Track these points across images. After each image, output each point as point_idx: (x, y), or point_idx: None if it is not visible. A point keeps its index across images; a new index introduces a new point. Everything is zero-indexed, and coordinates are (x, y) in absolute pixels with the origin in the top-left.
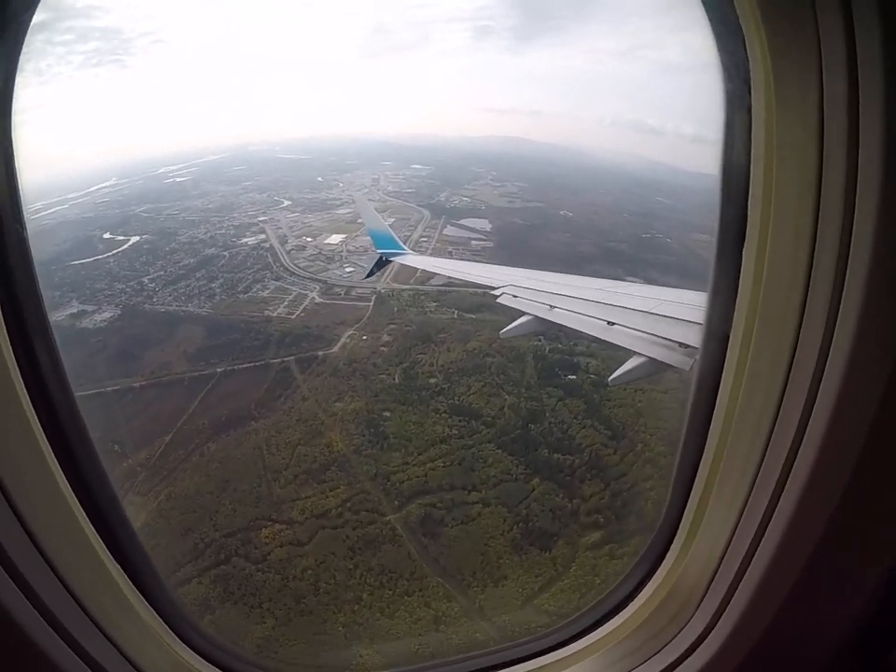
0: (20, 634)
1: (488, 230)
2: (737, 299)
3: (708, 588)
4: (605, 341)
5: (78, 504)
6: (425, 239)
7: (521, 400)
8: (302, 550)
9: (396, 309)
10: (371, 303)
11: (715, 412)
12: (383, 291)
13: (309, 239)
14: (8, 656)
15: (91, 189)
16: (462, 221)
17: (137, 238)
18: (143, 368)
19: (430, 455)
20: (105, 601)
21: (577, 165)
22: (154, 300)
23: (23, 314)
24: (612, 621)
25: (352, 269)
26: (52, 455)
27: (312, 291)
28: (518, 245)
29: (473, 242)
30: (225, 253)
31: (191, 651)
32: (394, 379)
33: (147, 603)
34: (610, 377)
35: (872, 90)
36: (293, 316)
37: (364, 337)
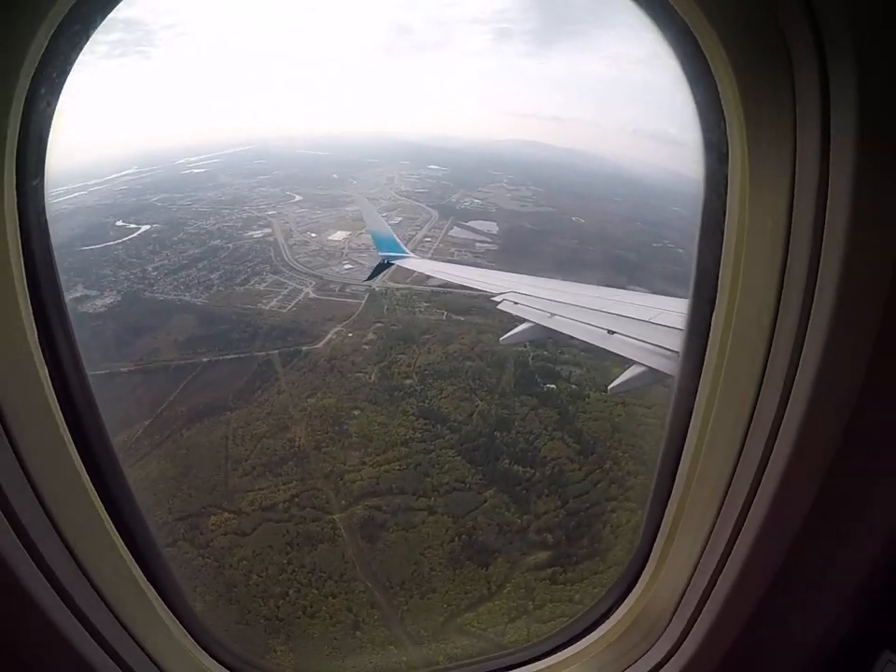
0: (53, 633)
1: (495, 232)
2: (712, 321)
3: (672, 616)
4: (604, 349)
5: (105, 510)
6: (429, 239)
7: (492, 407)
8: (243, 540)
9: (386, 307)
10: (364, 301)
11: (687, 440)
12: (377, 289)
13: (313, 234)
14: (45, 654)
15: (112, 177)
16: (470, 223)
17: (148, 227)
18: (133, 353)
19: (388, 457)
20: (131, 606)
21: (595, 172)
22: (154, 288)
23: (43, 298)
24: (586, 639)
25: (350, 266)
26: (81, 463)
27: (307, 286)
28: (522, 250)
29: (477, 244)
30: (229, 245)
31: (212, 659)
32: (370, 378)
33: (168, 610)
34: (610, 385)
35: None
36: (285, 311)
37: (350, 334)
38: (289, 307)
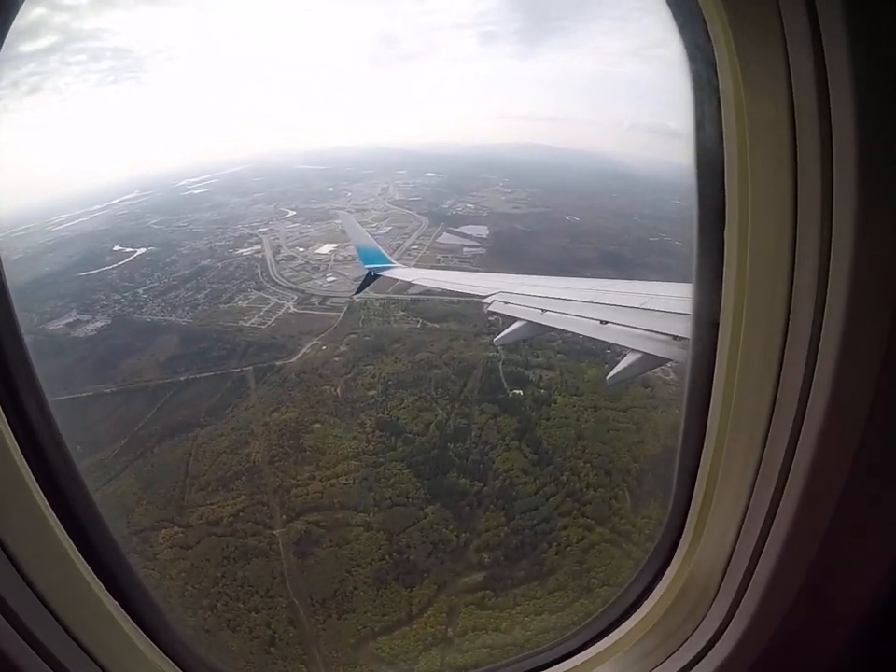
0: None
1: (484, 236)
2: (723, 286)
3: (721, 583)
4: (599, 340)
5: (56, 519)
6: (415, 247)
7: (451, 417)
8: (185, 553)
9: (362, 319)
10: (343, 313)
11: (711, 404)
12: (357, 300)
13: (301, 249)
14: None
15: (114, 202)
16: (460, 228)
17: (143, 250)
18: (117, 375)
19: (337, 471)
20: (81, 611)
21: (593, 170)
22: (143, 310)
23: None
24: (625, 623)
25: (334, 278)
26: (26, 463)
27: (289, 301)
28: (511, 252)
29: (465, 249)
30: (219, 264)
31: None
32: (335, 390)
33: (134, 623)
34: (608, 376)
35: (838, 60)
36: (264, 326)
37: (324, 347)
38: (269, 323)
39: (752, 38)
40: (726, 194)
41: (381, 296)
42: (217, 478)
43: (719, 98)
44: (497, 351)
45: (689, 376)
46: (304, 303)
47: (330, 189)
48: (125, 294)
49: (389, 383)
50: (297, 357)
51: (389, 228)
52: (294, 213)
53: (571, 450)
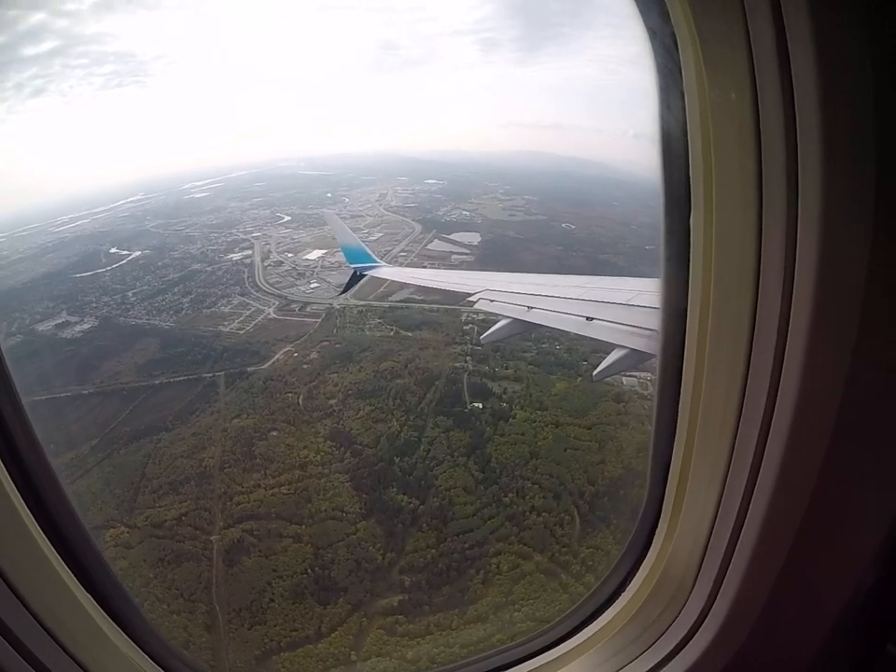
0: None
1: (475, 243)
2: (689, 275)
3: (698, 574)
4: (585, 336)
5: (33, 518)
6: (404, 254)
7: (403, 429)
8: (126, 552)
9: (337, 326)
10: (320, 320)
11: (681, 396)
12: (337, 307)
13: (290, 255)
14: None
15: (118, 204)
16: (452, 235)
17: (138, 253)
18: (97, 376)
19: (281, 480)
20: (62, 613)
21: (596, 178)
22: (129, 313)
23: None
24: (602, 616)
25: (317, 284)
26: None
27: (269, 307)
28: (500, 259)
29: (454, 256)
30: (209, 268)
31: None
32: (298, 398)
33: (107, 614)
34: (594, 371)
35: (801, 33)
36: (242, 332)
37: (296, 354)
38: (247, 328)
39: (714, 25)
40: (691, 182)
41: (361, 303)
42: (169, 481)
43: (682, 86)
44: (465, 361)
45: (659, 367)
46: (284, 309)
47: (329, 194)
48: (115, 297)
49: (349, 392)
50: (269, 363)
51: (381, 234)
52: (289, 218)
53: (521, 469)
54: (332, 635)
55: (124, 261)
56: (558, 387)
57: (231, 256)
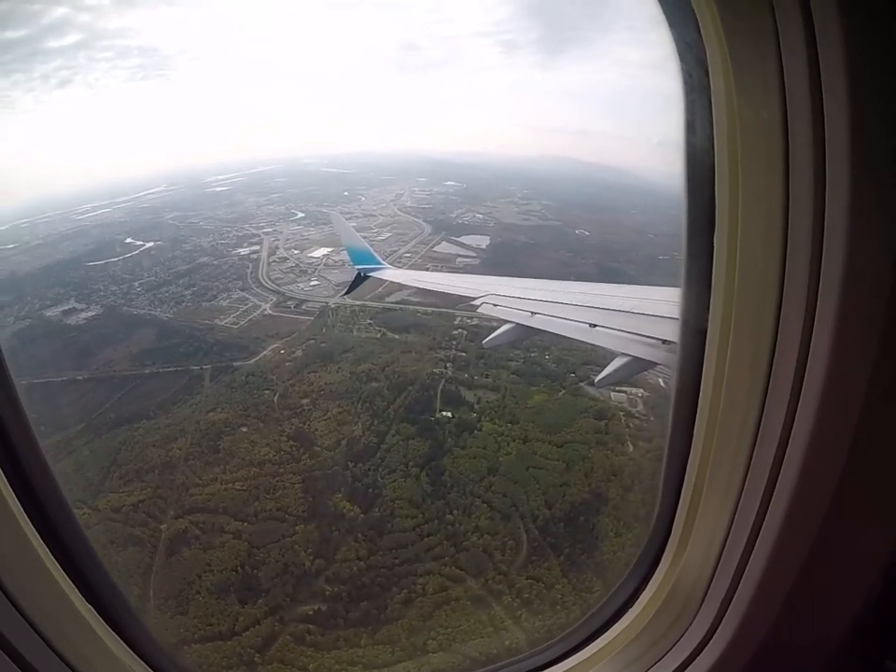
0: None
1: (483, 247)
2: (712, 290)
3: (708, 589)
4: (588, 343)
5: (24, 513)
6: (409, 255)
7: (365, 434)
8: None
9: (327, 325)
10: (313, 318)
11: (699, 409)
12: (332, 305)
13: (296, 251)
14: None
15: (140, 195)
16: (461, 238)
17: (151, 244)
18: (92, 363)
19: (237, 476)
20: (50, 610)
21: (618, 185)
22: (133, 303)
23: None
24: (611, 630)
25: (317, 282)
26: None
27: (266, 303)
28: (507, 264)
29: (459, 259)
30: (215, 262)
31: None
32: (274, 396)
33: (96, 611)
34: (596, 378)
35: (833, 64)
36: (236, 327)
37: (282, 351)
38: (241, 323)
39: (745, 39)
40: (716, 198)
41: (356, 302)
42: (136, 468)
43: (710, 99)
44: (446, 367)
45: (676, 379)
46: (280, 306)
47: (346, 192)
48: (122, 286)
49: (322, 392)
50: (255, 359)
51: (389, 234)
52: (302, 215)
53: (474, 486)
54: (244, 634)
55: (137, 252)
56: (535, 399)
57: (240, 250)
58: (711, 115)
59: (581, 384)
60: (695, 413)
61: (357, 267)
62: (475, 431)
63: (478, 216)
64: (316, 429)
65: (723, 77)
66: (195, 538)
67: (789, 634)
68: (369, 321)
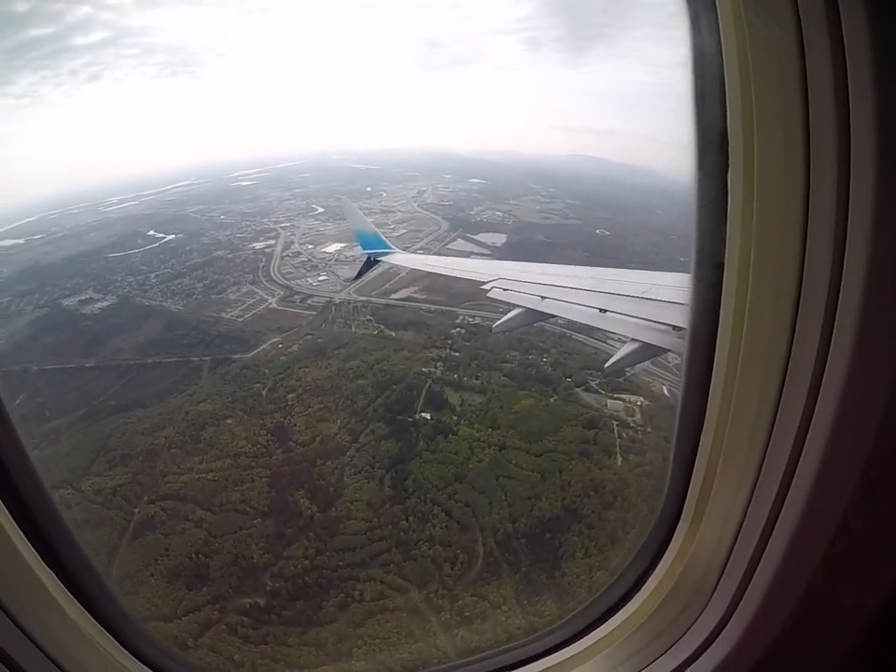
0: None
1: (498, 245)
2: (725, 265)
3: (721, 575)
4: (598, 328)
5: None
6: (422, 252)
7: (340, 432)
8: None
9: (326, 320)
10: (316, 313)
11: (712, 382)
12: (337, 301)
13: (310, 246)
14: None
15: (167, 188)
16: (477, 236)
17: (172, 237)
18: (101, 351)
19: (212, 467)
20: (35, 607)
21: (645, 186)
22: (147, 294)
23: None
24: (617, 616)
25: (325, 277)
26: None
27: (273, 297)
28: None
29: (472, 256)
30: (230, 255)
31: (132, 657)
32: (263, 389)
33: (83, 607)
34: (606, 363)
35: (857, 34)
36: (241, 320)
37: (280, 345)
38: (246, 316)
39: (765, 35)
40: (729, 175)
41: (361, 298)
42: (122, 454)
43: (722, 73)
44: (436, 367)
45: (688, 345)
46: (286, 300)
47: (369, 188)
48: (138, 277)
49: (308, 388)
50: (254, 352)
51: (405, 231)
52: (322, 210)
53: (437, 493)
54: (183, 618)
55: (157, 244)
56: (522, 405)
57: (255, 244)
58: (724, 107)
59: (577, 389)
60: (708, 385)
61: (366, 252)
62: (450, 435)
63: (497, 213)
64: (295, 425)
65: (739, 62)
66: (161, 523)
67: (807, 627)
68: (368, 317)
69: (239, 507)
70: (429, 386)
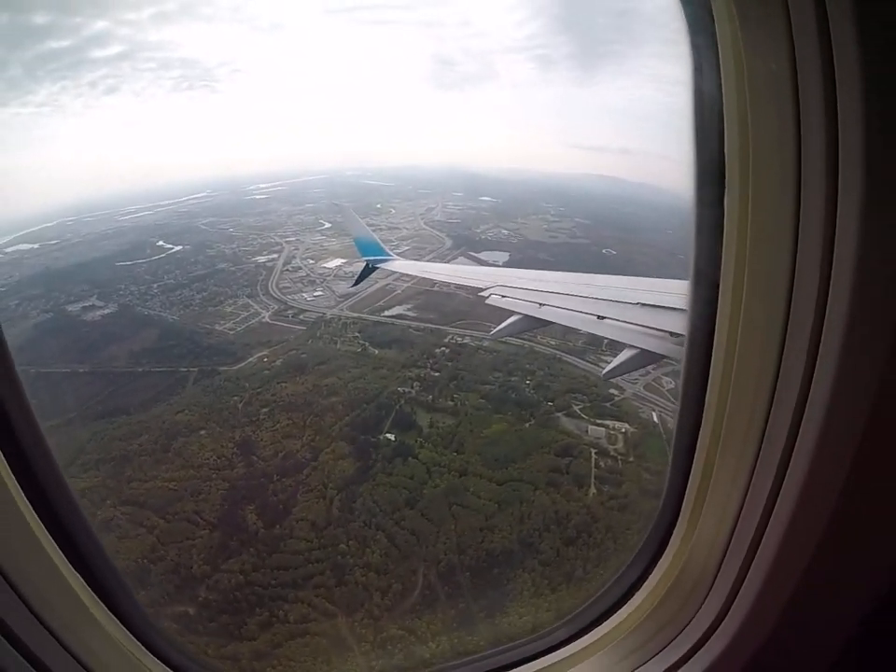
0: None
1: (500, 263)
2: (721, 271)
3: (718, 572)
4: (596, 335)
5: (31, 508)
6: None
7: (302, 449)
8: None
9: (313, 336)
10: (305, 328)
11: (709, 384)
12: (328, 316)
13: (311, 261)
14: None
15: (182, 199)
16: (479, 254)
17: (179, 248)
18: (95, 358)
19: (176, 476)
20: (62, 610)
21: (658, 205)
22: (147, 303)
23: None
24: (618, 614)
25: (321, 293)
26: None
27: (267, 311)
28: None
29: None
30: (233, 268)
31: (156, 660)
32: (240, 403)
33: (108, 610)
34: (603, 371)
35: (846, 44)
36: (232, 332)
37: (266, 359)
38: (238, 329)
39: (758, 32)
40: (726, 187)
41: (352, 314)
42: (97, 458)
43: (720, 77)
44: (412, 387)
45: (686, 348)
46: (279, 315)
47: (378, 205)
48: (141, 287)
49: (281, 403)
50: (240, 365)
51: (408, 248)
52: (329, 226)
53: (383, 517)
54: None
55: (164, 255)
56: (494, 429)
57: (258, 258)
58: (721, 98)
59: (559, 414)
60: (705, 387)
61: (365, 258)
62: (409, 458)
63: (503, 232)
64: (261, 439)
65: (735, 72)
66: (118, 526)
67: (801, 620)
68: (356, 334)
69: (191, 517)
70: (400, 406)
